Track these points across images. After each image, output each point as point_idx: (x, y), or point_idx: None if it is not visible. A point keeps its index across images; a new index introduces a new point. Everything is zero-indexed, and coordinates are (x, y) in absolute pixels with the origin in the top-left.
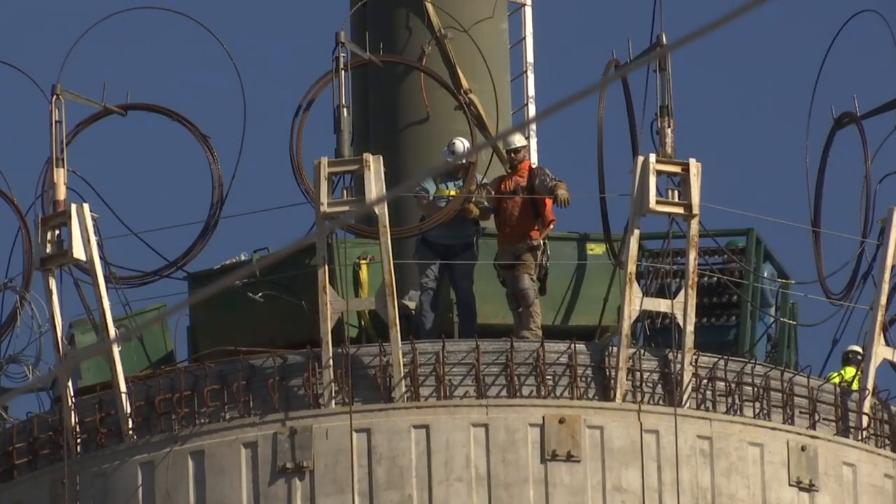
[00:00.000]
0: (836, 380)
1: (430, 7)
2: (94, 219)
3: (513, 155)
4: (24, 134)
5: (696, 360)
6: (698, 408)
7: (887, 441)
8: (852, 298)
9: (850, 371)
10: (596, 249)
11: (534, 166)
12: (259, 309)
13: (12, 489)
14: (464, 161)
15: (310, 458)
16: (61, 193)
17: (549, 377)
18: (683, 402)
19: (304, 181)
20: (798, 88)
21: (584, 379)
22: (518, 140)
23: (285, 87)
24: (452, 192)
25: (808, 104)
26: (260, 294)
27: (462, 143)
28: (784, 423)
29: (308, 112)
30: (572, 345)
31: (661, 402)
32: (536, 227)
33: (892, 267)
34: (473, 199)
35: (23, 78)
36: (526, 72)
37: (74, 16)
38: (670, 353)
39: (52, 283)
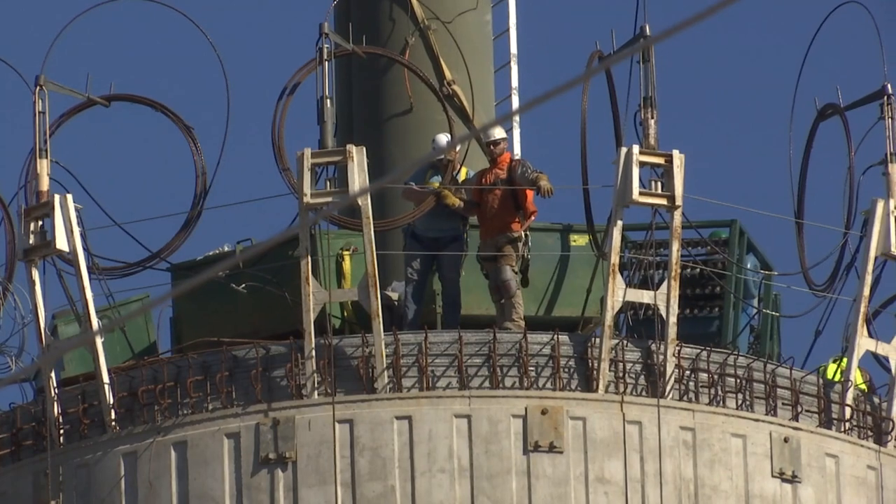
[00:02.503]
0: (829, 370)
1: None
2: (77, 210)
3: (492, 147)
4: (6, 124)
5: (679, 352)
6: (681, 399)
7: (870, 433)
8: (835, 290)
9: (834, 366)
10: (579, 241)
11: (514, 159)
12: (242, 300)
13: None
14: (444, 156)
15: (292, 448)
16: (44, 184)
17: (531, 368)
18: (666, 394)
19: (283, 161)
20: (782, 80)
21: (566, 370)
22: (497, 132)
23: (269, 78)
24: (436, 185)
25: (791, 95)
26: (243, 285)
27: (445, 138)
28: (767, 414)
29: (291, 97)
30: (555, 336)
31: (643, 393)
32: (517, 219)
33: (876, 258)
34: (453, 191)
35: (6, 68)
36: (510, 63)
37: (58, 6)
38: (653, 345)
39: (35, 274)
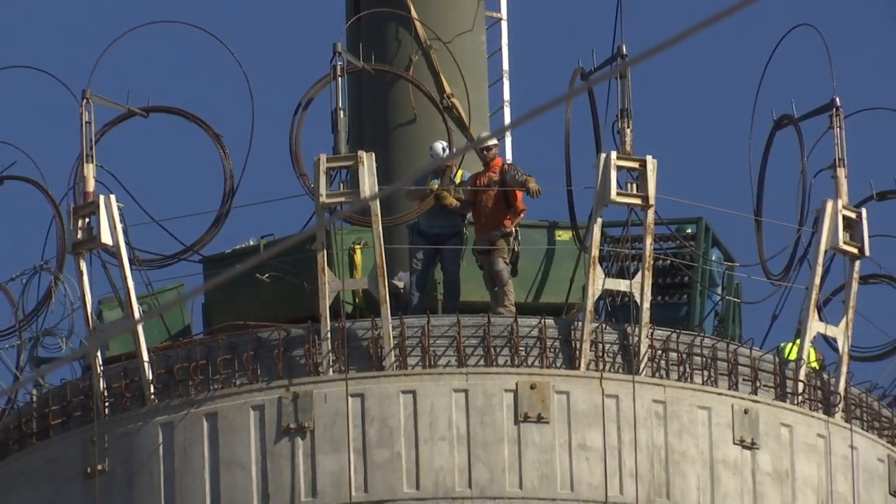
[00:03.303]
0: (788, 350)
1: (416, 22)
2: (119, 208)
3: (485, 152)
4: (56, 133)
5: (652, 334)
6: (653, 375)
7: (820, 405)
8: (790, 279)
9: (794, 348)
10: (563, 236)
11: (505, 163)
12: (265, 288)
13: (48, 447)
14: (445, 161)
15: (310, 419)
16: (90, 186)
17: (521, 348)
18: (640, 371)
19: (300, 167)
20: (745, 94)
21: (552, 350)
22: (490, 140)
23: (288, 92)
24: (435, 187)
25: (751, 107)
26: (266, 275)
27: (440, 145)
28: (729, 389)
29: (307, 110)
30: (542, 320)
31: (620, 370)
32: (508, 217)
33: (826, 252)
34: (452, 193)
35: (56, 83)
36: (502, 78)
37: (101, 27)
38: (629, 328)
39: (83, 266)
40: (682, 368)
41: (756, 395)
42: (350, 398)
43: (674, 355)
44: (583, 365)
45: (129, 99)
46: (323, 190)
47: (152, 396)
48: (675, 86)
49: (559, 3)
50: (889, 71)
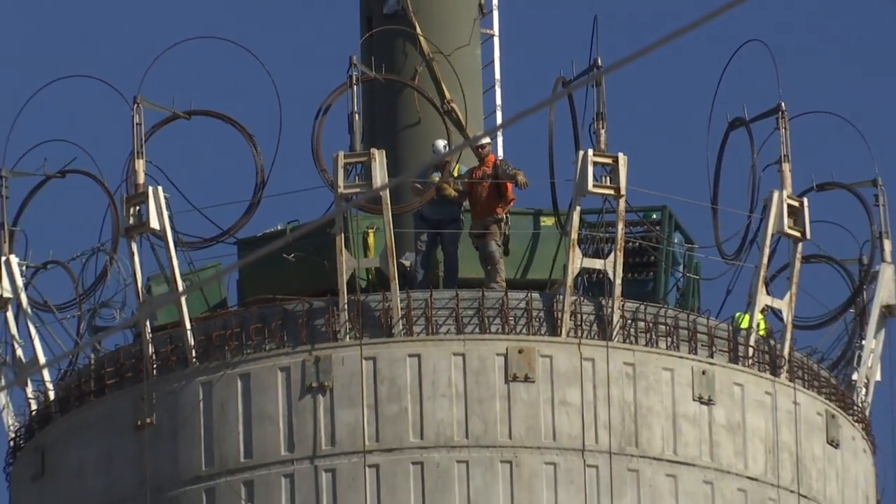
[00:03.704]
0: (741, 320)
1: (421, 38)
2: (165, 198)
3: (479, 150)
4: (110, 133)
5: (623, 306)
6: (624, 341)
7: (767, 367)
8: (742, 259)
9: (746, 318)
10: (547, 221)
11: (497, 159)
12: (291, 266)
13: (104, 404)
14: (445, 157)
15: (330, 379)
16: (140, 179)
17: (511, 318)
18: (613, 337)
19: (320, 162)
20: (705, 98)
21: (537, 319)
22: (484, 139)
23: (310, 97)
24: (436, 179)
25: (709, 110)
26: (292, 255)
27: (441, 143)
28: (689, 353)
29: (326, 114)
30: (529, 294)
31: (596, 337)
32: (500, 205)
33: (773, 235)
34: (451, 184)
35: (111, 90)
36: (495, 86)
37: (149, 40)
38: (603, 300)
39: (134, 247)
40: (648, 335)
41: (712, 358)
42: (364, 361)
43: (641, 324)
44: (564, 332)
45: (174, 103)
46: (340, 182)
47: (194, 360)
48: (644, 91)
49: (545, 21)
50: (831, 77)
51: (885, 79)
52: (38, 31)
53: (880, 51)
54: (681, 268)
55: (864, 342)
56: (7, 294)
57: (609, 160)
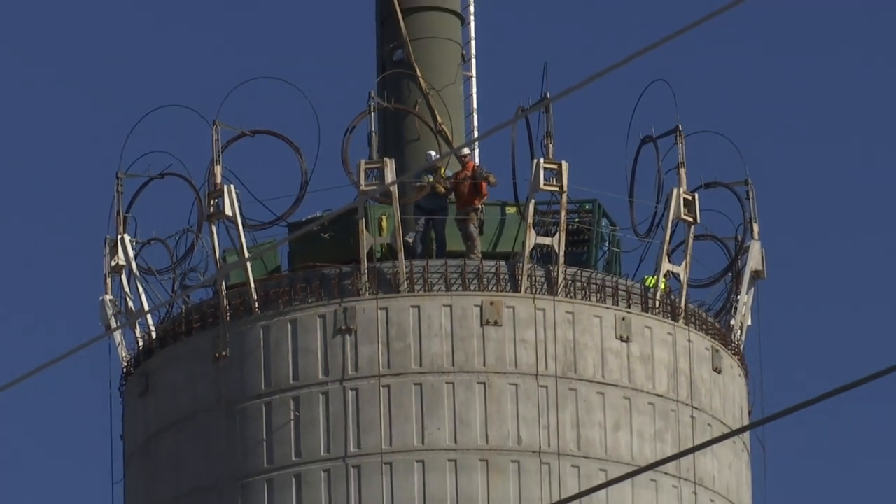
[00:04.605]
0: (650, 280)
1: (420, 78)
2: (236, 193)
3: (462, 158)
4: (190, 148)
5: (565, 271)
6: (566, 297)
7: (669, 314)
8: (651, 237)
9: (653, 280)
10: (510, 210)
11: (475, 165)
12: (326, 241)
13: (191, 341)
14: (436, 163)
15: (354, 323)
16: (218, 179)
17: (484, 279)
18: (558, 293)
19: (347, 167)
20: (625, 121)
21: (503, 280)
22: (465, 150)
23: (341, 119)
24: (430, 180)
25: (626, 130)
26: (327, 234)
27: (434, 153)
28: (613, 305)
29: (352, 133)
30: (497, 262)
31: (546, 293)
32: (477, 199)
33: (673, 220)
34: (441, 183)
35: (196, 115)
36: (473, 113)
37: (224, 72)
38: (551, 267)
39: (213, 229)
40: (583, 292)
41: (629, 308)
42: (378, 310)
43: (578, 284)
44: (522, 290)
45: (242, 124)
46: (362, 182)
47: (256, 309)
48: (583, 113)
49: (510, 65)
50: (717, 104)
51: (754, 104)
52: (142, 68)
53: (752, 80)
54: (606, 244)
55: (739, 297)
56: (122, 262)
57: (555, 166)
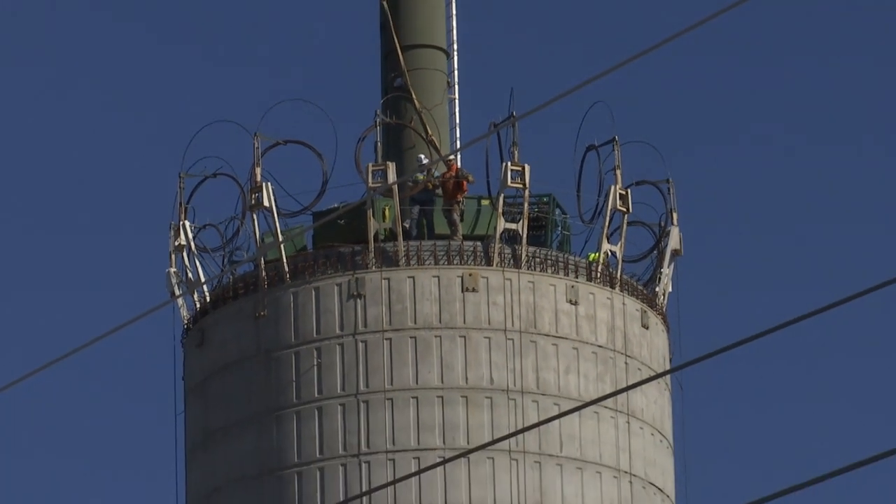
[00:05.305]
0: (593, 256)
1: (415, 99)
2: (272, 189)
3: (447, 162)
4: (238, 153)
5: (528, 249)
6: (528, 269)
7: (608, 283)
8: (594, 223)
9: (595, 256)
10: (485, 202)
11: (458, 167)
12: (341, 227)
13: (236, 304)
14: (427, 167)
15: (364, 290)
16: (258, 178)
17: (464, 255)
18: (522, 267)
19: (359, 168)
20: (572, 132)
21: (479, 256)
22: (450, 157)
23: (352, 132)
24: (422, 178)
25: (574, 140)
26: (342, 220)
27: (423, 157)
28: (564, 276)
29: (362, 142)
30: (474, 243)
31: (512, 266)
32: (459, 193)
33: (611, 210)
34: (431, 181)
35: (239, 128)
36: (455, 127)
37: (266, 90)
38: (517, 246)
39: (254, 217)
40: (542, 266)
41: (577, 279)
42: (382, 280)
43: (538, 259)
44: (494, 264)
45: (277, 135)
46: (369, 180)
47: (288, 279)
48: (542, 127)
49: (484, 92)
50: (645, 121)
51: (674, 118)
52: (199, 92)
53: (673, 99)
54: (559, 229)
55: (662, 270)
56: (183, 243)
57: (520, 168)
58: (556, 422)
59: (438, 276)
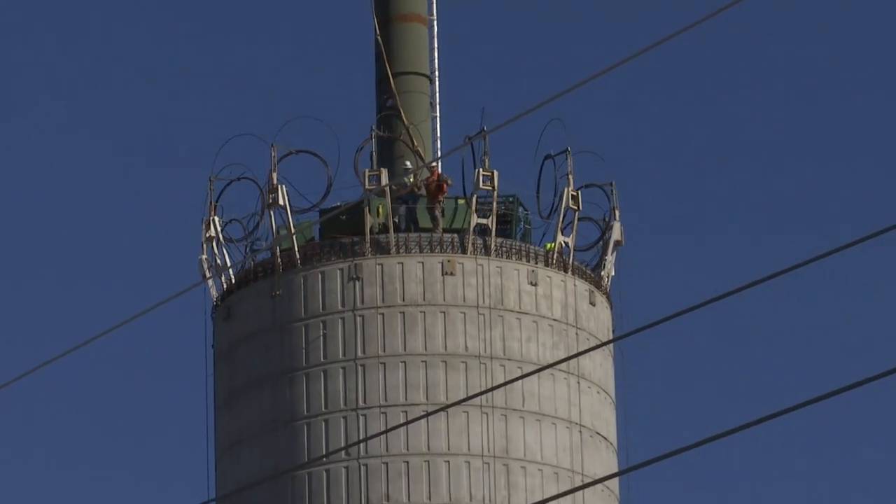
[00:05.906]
0: (549, 246)
1: (404, 117)
2: (286, 190)
3: (430, 169)
4: (257, 160)
5: (496, 240)
6: (497, 257)
7: (562, 268)
8: (551, 219)
9: (551, 245)
10: (461, 201)
11: (438, 172)
12: (342, 221)
13: (255, 286)
14: (412, 172)
15: (362, 274)
16: (274, 181)
17: (444, 245)
18: (491, 254)
19: (358, 175)
20: (533, 144)
21: (457, 246)
22: (433, 164)
23: (351, 143)
24: (410, 180)
25: (534, 150)
26: (344, 216)
27: (410, 163)
28: (526, 262)
29: (360, 152)
30: (453, 234)
31: (483, 254)
32: (440, 194)
33: (564, 207)
34: (417, 184)
35: (258, 140)
36: (437, 140)
37: (283, 103)
38: (487, 238)
39: (272, 213)
40: (508, 254)
41: (537, 264)
42: (377, 265)
43: (504, 249)
44: (469, 251)
45: (291, 145)
46: (366, 183)
47: (299, 265)
48: (508, 139)
49: (460, 111)
50: (595, 135)
51: (617, 132)
52: (225, 109)
53: (616, 116)
54: (522, 223)
55: (606, 258)
56: (212, 235)
57: (490, 173)
58: (519, 382)
59: (423, 262)
